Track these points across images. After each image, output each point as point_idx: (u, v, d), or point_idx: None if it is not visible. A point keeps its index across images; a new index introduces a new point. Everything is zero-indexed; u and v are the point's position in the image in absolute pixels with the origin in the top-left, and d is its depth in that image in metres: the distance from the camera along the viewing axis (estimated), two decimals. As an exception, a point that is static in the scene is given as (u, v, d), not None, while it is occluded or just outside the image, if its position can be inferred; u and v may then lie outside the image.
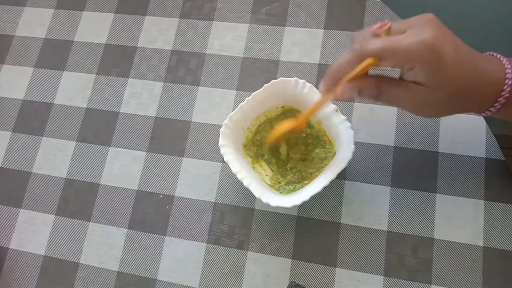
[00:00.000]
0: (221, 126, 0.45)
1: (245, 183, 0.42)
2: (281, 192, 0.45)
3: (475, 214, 0.44)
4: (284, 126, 0.43)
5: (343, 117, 0.43)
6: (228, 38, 0.55)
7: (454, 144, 0.47)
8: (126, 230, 0.50)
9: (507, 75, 0.33)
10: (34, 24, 0.61)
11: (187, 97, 0.54)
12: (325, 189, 0.40)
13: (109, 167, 0.52)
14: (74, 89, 0.57)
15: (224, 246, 0.47)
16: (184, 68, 0.55)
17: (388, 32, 0.34)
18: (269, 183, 0.46)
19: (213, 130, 0.52)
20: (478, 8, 0.71)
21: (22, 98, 0.57)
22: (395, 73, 0.35)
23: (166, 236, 0.49)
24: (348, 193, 0.47)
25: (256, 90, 0.45)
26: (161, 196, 0.50)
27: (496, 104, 0.34)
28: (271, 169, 0.47)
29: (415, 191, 0.46)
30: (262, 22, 0.55)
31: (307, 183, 0.45)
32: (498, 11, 0.71)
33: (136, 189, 0.51)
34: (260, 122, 0.48)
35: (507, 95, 0.34)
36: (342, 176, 0.47)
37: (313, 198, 0.40)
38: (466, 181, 0.46)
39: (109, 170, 0.52)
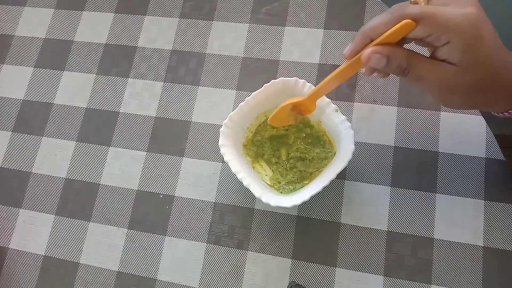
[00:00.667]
0: (221, 126, 0.45)
1: (245, 183, 0.42)
2: (281, 192, 0.45)
3: (475, 214, 0.44)
4: (289, 100, 0.41)
5: (343, 117, 0.43)
6: (228, 38, 0.55)
7: (454, 144, 0.47)
8: (126, 230, 0.50)
9: None
10: (34, 24, 0.61)
11: (187, 97, 0.54)
12: (325, 189, 0.40)
13: (109, 167, 0.52)
14: (74, 89, 0.57)
15: (224, 246, 0.47)
16: (184, 68, 0.55)
17: (428, 2, 0.32)
18: (269, 183, 0.46)
19: (213, 130, 0.52)
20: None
21: (22, 98, 0.57)
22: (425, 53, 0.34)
23: (166, 236, 0.49)
24: (348, 193, 0.47)
25: (256, 90, 0.45)
26: (161, 196, 0.50)
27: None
28: (271, 169, 0.47)
29: (415, 191, 0.46)
30: (262, 22, 0.55)
31: (307, 183, 0.45)
32: (498, 11, 0.71)
33: (136, 189, 0.51)
34: (260, 122, 0.48)
35: None
36: (342, 176, 0.47)
37: (313, 198, 0.40)
38: (466, 181, 0.46)
39: (109, 170, 0.52)
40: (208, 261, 0.47)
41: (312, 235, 0.46)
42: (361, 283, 0.44)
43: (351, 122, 0.46)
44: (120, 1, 0.60)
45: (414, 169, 0.47)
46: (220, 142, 0.44)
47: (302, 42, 0.54)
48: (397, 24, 0.31)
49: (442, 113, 0.48)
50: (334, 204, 0.47)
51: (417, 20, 0.30)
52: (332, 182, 0.40)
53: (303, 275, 0.45)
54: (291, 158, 0.47)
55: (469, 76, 0.32)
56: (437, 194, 0.46)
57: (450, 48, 0.31)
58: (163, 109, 0.54)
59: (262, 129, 0.48)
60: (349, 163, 0.41)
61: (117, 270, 0.48)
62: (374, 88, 0.50)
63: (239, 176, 0.42)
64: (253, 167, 0.47)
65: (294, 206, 0.41)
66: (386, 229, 0.45)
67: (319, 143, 0.47)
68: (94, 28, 0.59)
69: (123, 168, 0.52)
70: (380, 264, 0.44)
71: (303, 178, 0.46)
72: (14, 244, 0.51)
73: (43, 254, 0.50)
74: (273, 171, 0.47)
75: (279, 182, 0.46)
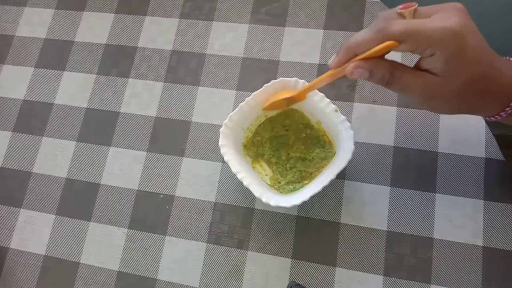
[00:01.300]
0: (221, 126, 0.45)
1: (245, 183, 0.42)
2: (281, 192, 0.45)
3: (475, 214, 0.44)
4: (282, 93, 0.42)
5: (343, 117, 0.43)
6: (228, 38, 0.55)
7: (453, 144, 0.47)
8: (127, 230, 0.50)
9: None
10: (34, 24, 0.61)
11: (187, 97, 0.54)
12: (325, 189, 0.40)
13: (109, 167, 0.52)
14: (74, 89, 0.57)
15: (224, 246, 0.47)
16: (184, 68, 0.55)
17: (414, 14, 0.33)
18: (269, 183, 0.46)
19: (213, 130, 0.52)
20: (478, 10, 0.71)
21: (23, 98, 0.57)
22: (409, 62, 0.34)
23: (166, 236, 0.49)
24: (348, 193, 0.47)
25: (256, 90, 0.45)
26: (161, 196, 0.50)
27: (507, 109, 0.34)
28: (271, 169, 0.47)
29: (414, 191, 0.46)
30: (262, 22, 0.55)
31: (307, 183, 0.45)
32: (498, 11, 0.71)
33: (136, 189, 0.51)
34: (260, 122, 0.48)
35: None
36: (342, 176, 0.48)
37: (313, 198, 0.40)
38: (465, 181, 0.46)
39: (109, 170, 0.52)
40: (208, 261, 0.47)
41: (312, 235, 0.46)
42: (361, 283, 0.44)
43: (351, 122, 0.47)
44: (121, 1, 0.60)
45: (414, 169, 0.47)
46: (220, 142, 0.44)
47: (302, 42, 0.54)
48: (380, 43, 0.32)
49: (441, 113, 0.48)
50: (334, 204, 0.47)
51: (401, 39, 0.31)
52: (332, 182, 0.41)
53: (303, 275, 0.45)
54: (291, 158, 0.47)
55: (451, 85, 0.32)
56: (436, 194, 0.46)
57: (433, 60, 0.32)
58: (164, 109, 0.54)
59: (262, 130, 0.48)
60: (349, 163, 0.41)
61: (118, 270, 0.48)
62: (374, 88, 0.50)
63: (239, 176, 0.42)
64: (253, 167, 0.47)
65: (294, 206, 0.41)
66: (386, 229, 0.45)
67: (319, 143, 0.47)
68: (95, 28, 0.59)
69: (123, 168, 0.52)
70: (379, 264, 0.44)
71: (303, 178, 0.46)
72: (15, 244, 0.51)
73: (44, 254, 0.50)
74: (273, 171, 0.47)
75: (279, 182, 0.46)
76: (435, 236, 0.44)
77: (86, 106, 0.55)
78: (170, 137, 0.52)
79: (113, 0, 0.60)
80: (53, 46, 0.59)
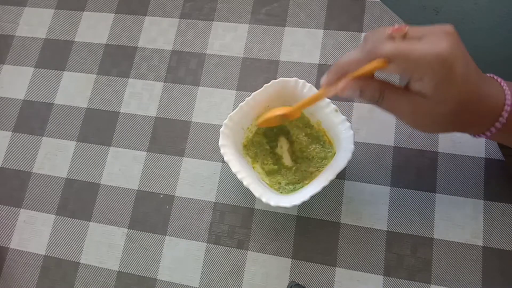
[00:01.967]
0: (221, 126, 0.45)
1: (245, 183, 0.42)
2: (281, 192, 0.45)
3: (475, 214, 0.45)
4: (277, 110, 0.42)
5: (343, 117, 0.43)
6: (228, 38, 0.55)
7: (453, 144, 0.47)
8: (127, 229, 0.50)
9: (507, 101, 0.34)
10: (34, 24, 0.61)
11: (187, 97, 0.54)
12: (325, 189, 0.40)
13: (109, 167, 0.52)
14: (74, 89, 0.57)
15: (224, 246, 0.47)
16: (184, 68, 0.55)
17: (404, 36, 0.33)
18: (268, 183, 0.46)
19: (213, 130, 0.52)
20: (478, 9, 0.71)
21: (23, 98, 0.57)
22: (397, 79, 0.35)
23: (166, 236, 0.49)
24: (348, 193, 0.47)
25: (256, 90, 0.45)
26: (161, 196, 0.50)
27: (492, 129, 0.35)
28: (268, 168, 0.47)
29: (414, 191, 0.46)
30: (262, 22, 0.55)
31: (307, 183, 0.45)
32: (497, 12, 0.71)
33: (137, 189, 0.51)
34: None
35: (504, 121, 0.34)
36: (342, 176, 0.48)
37: (313, 198, 0.40)
38: (465, 181, 0.46)
39: (109, 170, 0.52)
40: (208, 261, 0.47)
41: (312, 235, 0.46)
42: (361, 283, 0.44)
43: (351, 122, 0.47)
44: (121, 1, 0.60)
45: (414, 169, 0.47)
46: (220, 142, 0.44)
47: (302, 42, 0.54)
48: (370, 61, 0.33)
49: (441, 113, 0.48)
50: (334, 204, 0.47)
51: (389, 59, 0.32)
52: (332, 182, 0.41)
53: (303, 275, 0.45)
54: (294, 156, 0.47)
55: (440, 108, 0.33)
56: (436, 194, 0.46)
57: (423, 83, 0.32)
58: (164, 109, 0.54)
59: (262, 129, 0.48)
60: (349, 163, 0.41)
61: (118, 269, 0.48)
62: (374, 88, 0.50)
63: (239, 176, 0.42)
64: (253, 167, 0.47)
65: (294, 206, 0.41)
66: (386, 229, 0.45)
67: (319, 143, 0.47)
68: (95, 28, 0.59)
69: (123, 168, 0.52)
70: (379, 264, 0.44)
71: (303, 178, 0.46)
72: (15, 244, 0.51)
73: (44, 253, 0.50)
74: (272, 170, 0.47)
75: (279, 182, 0.46)
76: (435, 236, 0.44)
77: (86, 106, 0.55)
78: (170, 137, 0.52)
79: (113, 0, 0.60)
80: (53, 46, 0.59)
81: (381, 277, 0.44)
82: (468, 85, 0.32)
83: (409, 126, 0.36)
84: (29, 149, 0.55)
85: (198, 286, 0.47)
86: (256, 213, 0.48)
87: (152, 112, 0.54)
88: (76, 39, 0.59)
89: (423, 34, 0.32)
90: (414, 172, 0.47)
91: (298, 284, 0.43)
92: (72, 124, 0.55)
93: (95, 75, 0.57)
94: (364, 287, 0.44)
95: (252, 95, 0.45)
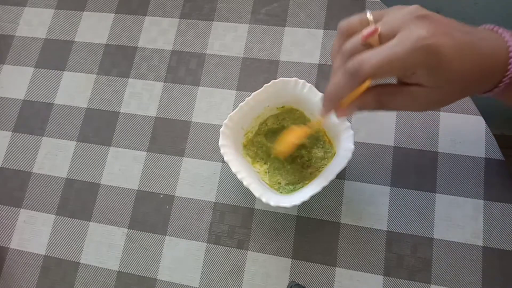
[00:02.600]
0: (221, 126, 0.45)
1: (245, 183, 0.42)
2: (281, 192, 0.45)
3: (475, 214, 0.45)
4: (297, 134, 0.42)
5: (343, 117, 0.43)
6: (228, 38, 0.55)
7: (453, 144, 0.47)
8: (127, 229, 0.50)
9: (511, 54, 0.32)
10: (34, 24, 0.61)
11: (187, 97, 0.54)
12: (325, 189, 0.40)
13: (109, 167, 0.52)
14: (74, 89, 0.57)
15: (224, 246, 0.47)
16: (184, 68, 0.55)
17: (379, 38, 0.32)
18: (268, 183, 0.46)
19: (213, 130, 0.52)
20: (478, 9, 0.71)
21: (23, 98, 0.57)
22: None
23: (166, 236, 0.49)
24: (348, 193, 0.47)
25: (256, 90, 0.45)
26: (161, 196, 0.50)
27: (500, 85, 0.33)
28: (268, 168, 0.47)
29: (414, 191, 0.46)
30: (262, 22, 0.55)
31: (307, 183, 0.45)
32: (497, 12, 0.71)
33: (137, 189, 0.51)
34: (260, 122, 0.48)
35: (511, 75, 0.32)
36: (341, 176, 0.48)
37: (313, 198, 0.40)
38: (465, 181, 0.46)
39: (109, 170, 0.52)
40: (208, 261, 0.47)
41: (312, 235, 0.46)
42: (361, 283, 0.44)
43: (350, 122, 0.47)
44: (121, 1, 0.60)
45: (414, 169, 0.47)
46: (220, 142, 0.44)
47: (302, 42, 0.54)
48: (358, 86, 0.32)
49: (442, 113, 0.48)
50: (334, 204, 0.47)
51: (376, 76, 0.31)
52: (332, 182, 0.41)
53: (303, 275, 0.45)
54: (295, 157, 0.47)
55: (444, 90, 0.32)
56: (436, 194, 0.46)
57: (418, 76, 0.31)
58: (163, 109, 0.54)
59: (262, 131, 0.48)
60: (348, 163, 0.41)
61: (118, 269, 0.48)
62: (374, 88, 0.50)
63: (239, 176, 0.42)
64: (253, 167, 0.47)
65: (294, 206, 0.41)
66: (386, 229, 0.45)
67: (318, 143, 0.47)
68: (95, 28, 0.59)
69: (123, 168, 0.52)
70: (379, 264, 0.44)
71: (303, 178, 0.46)
72: (15, 244, 0.51)
73: (44, 253, 0.50)
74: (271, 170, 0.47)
75: (279, 182, 0.46)
76: (435, 236, 0.44)
77: (86, 106, 0.55)
78: (170, 137, 0.52)
79: (113, 0, 0.60)
80: (53, 46, 0.59)
81: (381, 277, 0.44)
82: (463, 57, 0.31)
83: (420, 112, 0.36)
84: (29, 149, 0.55)
85: (198, 286, 0.47)
86: (256, 213, 0.48)
87: (152, 112, 0.54)
88: (76, 39, 0.59)
89: (395, 28, 0.31)
90: (414, 172, 0.47)
91: (298, 284, 0.43)
92: (72, 124, 0.55)
93: (95, 75, 0.57)
94: (364, 287, 0.44)
95: (252, 95, 0.45)
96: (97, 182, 0.52)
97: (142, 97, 0.55)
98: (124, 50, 0.57)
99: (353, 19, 0.34)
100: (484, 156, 0.46)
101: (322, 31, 0.54)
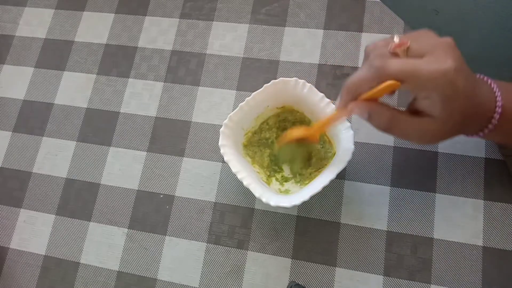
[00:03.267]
0: (221, 126, 0.45)
1: (245, 183, 0.42)
2: (281, 192, 0.45)
3: (475, 214, 0.45)
4: (296, 132, 0.42)
5: (343, 117, 0.43)
6: (228, 38, 0.55)
7: (453, 144, 0.47)
8: (127, 229, 0.50)
9: (497, 103, 0.34)
10: (34, 24, 0.61)
11: (187, 97, 0.54)
12: (325, 189, 0.40)
13: (109, 167, 0.52)
14: (74, 89, 0.57)
15: (224, 246, 0.47)
16: (184, 68, 0.55)
17: (407, 51, 0.33)
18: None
19: (213, 130, 0.52)
20: (478, 9, 0.71)
21: (23, 98, 0.57)
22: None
23: (166, 236, 0.49)
24: (348, 193, 0.47)
25: (256, 90, 0.45)
26: (161, 196, 0.50)
27: (485, 130, 0.36)
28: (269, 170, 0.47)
29: (414, 191, 0.46)
30: (262, 22, 0.55)
31: (307, 183, 0.45)
32: (497, 11, 0.71)
33: (137, 189, 0.51)
34: (260, 122, 0.48)
35: (496, 122, 0.35)
36: (342, 176, 0.48)
37: (313, 198, 0.40)
38: (465, 181, 0.46)
39: (109, 170, 0.52)
40: (208, 261, 0.47)
41: (312, 235, 0.46)
42: (360, 283, 0.44)
43: (350, 122, 0.47)
44: (121, 1, 0.60)
45: (414, 169, 0.47)
46: (220, 142, 0.44)
47: (302, 42, 0.54)
48: (379, 82, 0.33)
49: (441, 113, 0.48)
50: (334, 204, 0.47)
51: (399, 79, 0.32)
52: (332, 182, 0.41)
53: (303, 275, 0.45)
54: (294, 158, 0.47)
55: (446, 125, 0.33)
56: (436, 194, 0.46)
57: (430, 102, 0.33)
58: (164, 109, 0.54)
59: (262, 129, 0.48)
60: (348, 163, 0.41)
61: (118, 269, 0.48)
62: (374, 88, 0.50)
63: (239, 176, 0.42)
64: (253, 167, 0.47)
65: (294, 206, 0.41)
66: (386, 229, 0.45)
67: (319, 143, 0.47)
68: (95, 28, 0.59)
69: (123, 168, 0.52)
70: (379, 264, 0.44)
71: (303, 178, 0.46)
72: (15, 244, 0.51)
73: (44, 253, 0.50)
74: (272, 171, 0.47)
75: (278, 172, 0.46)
76: (435, 236, 0.44)
77: (86, 106, 0.55)
78: (170, 137, 0.52)
79: (113, 0, 0.60)
80: (53, 46, 0.59)
81: (381, 277, 0.44)
82: (468, 98, 0.33)
83: (414, 143, 0.37)
84: (29, 149, 0.55)
85: (198, 286, 0.47)
86: (256, 213, 0.48)
87: (152, 112, 0.54)
88: (76, 39, 0.59)
89: (426, 50, 0.32)
90: (414, 172, 0.47)
91: (298, 284, 0.43)
92: (72, 124, 0.55)
93: (95, 75, 0.57)
94: (364, 287, 0.44)
95: (252, 95, 0.45)
96: (97, 182, 0.52)
97: (142, 97, 0.55)
98: (124, 50, 0.57)
99: (383, 40, 0.35)
100: (484, 156, 0.46)
101: (322, 31, 0.54)
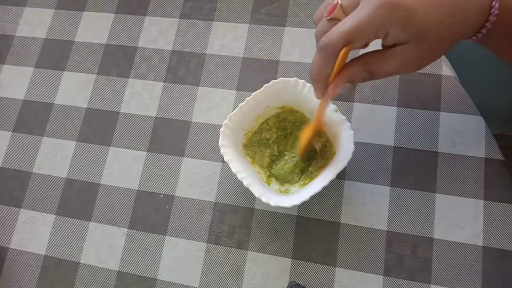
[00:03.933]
0: (221, 126, 0.45)
1: (245, 183, 0.42)
2: (281, 192, 0.45)
3: (475, 214, 0.45)
4: (307, 132, 0.43)
5: (343, 117, 0.43)
6: (228, 38, 0.55)
7: (453, 144, 0.47)
8: (127, 229, 0.50)
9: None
10: (34, 24, 0.61)
11: (187, 97, 0.54)
12: (325, 189, 0.40)
13: (109, 167, 0.52)
14: (74, 89, 0.57)
15: (224, 246, 0.47)
16: (184, 68, 0.55)
17: (343, 10, 0.32)
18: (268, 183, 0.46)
19: (213, 130, 0.52)
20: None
21: (23, 98, 0.57)
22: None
23: (166, 236, 0.49)
24: (348, 193, 0.47)
25: (256, 90, 0.45)
26: (161, 196, 0.50)
27: (483, 30, 0.33)
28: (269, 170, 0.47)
29: (414, 191, 0.46)
30: (262, 22, 0.55)
31: (307, 183, 0.45)
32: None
33: (137, 189, 0.51)
34: (260, 122, 0.48)
35: (494, 18, 0.32)
36: (342, 176, 0.48)
37: (313, 198, 0.40)
38: (465, 181, 0.46)
39: (109, 170, 0.52)
40: (208, 261, 0.47)
41: (312, 235, 0.46)
42: (360, 283, 0.44)
43: (350, 122, 0.47)
44: (121, 1, 0.60)
45: (414, 169, 0.47)
46: (220, 142, 0.44)
47: (302, 42, 0.54)
48: (334, 59, 0.32)
49: (441, 113, 0.48)
50: (334, 204, 0.47)
51: (348, 42, 0.31)
52: (332, 182, 0.41)
53: (303, 275, 0.45)
54: (293, 157, 0.47)
55: (425, 42, 0.31)
56: (436, 194, 0.46)
57: (393, 36, 0.31)
58: (164, 109, 0.54)
59: (262, 129, 0.48)
60: (349, 163, 0.41)
61: (118, 269, 0.48)
62: (374, 88, 0.50)
63: (239, 176, 0.42)
64: (253, 167, 0.47)
65: (294, 206, 0.41)
66: (386, 229, 0.45)
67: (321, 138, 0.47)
68: (95, 28, 0.59)
69: (123, 168, 0.52)
70: (379, 264, 0.44)
71: (303, 178, 0.46)
72: (15, 244, 0.51)
73: (44, 254, 0.50)
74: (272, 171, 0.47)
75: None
76: (435, 236, 0.44)
77: (86, 106, 0.55)
78: (170, 137, 0.52)
79: (113, 0, 0.60)
80: (53, 46, 0.59)
81: (381, 277, 0.44)
82: (429, 8, 0.30)
83: (416, 71, 0.35)
84: (29, 149, 0.55)
85: (198, 286, 0.47)
86: (256, 213, 0.48)
87: (152, 112, 0.54)
88: (76, 39, 0.59)
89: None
90: (414, 172, 0.47)
91: (298, 284, 0.43)
92: (72, 124, 0.55)
93: (95, 75, 0.57)
94: (364, 287, 0.44)
95: (252, 95, 0.45)
96: (97, 182, 0.52)
97: (142, 97, 0.55)
98: (124, 50, 0.57)
99: (321, 7, 0.34)
100: (484, 156, 0.46)
101: (322, 31, 0.54)
